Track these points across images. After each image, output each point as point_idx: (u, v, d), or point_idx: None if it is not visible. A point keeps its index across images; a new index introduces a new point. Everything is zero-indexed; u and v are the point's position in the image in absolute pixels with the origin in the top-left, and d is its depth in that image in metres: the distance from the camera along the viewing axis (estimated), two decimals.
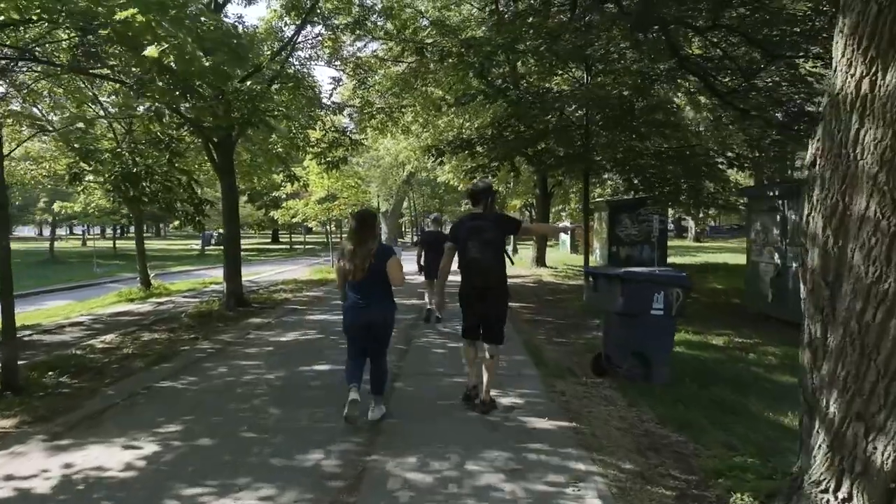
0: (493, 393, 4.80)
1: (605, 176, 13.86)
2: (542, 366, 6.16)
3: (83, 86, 10.55)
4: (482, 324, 4.64)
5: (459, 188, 30.16)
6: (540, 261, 19.45)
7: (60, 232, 55.24)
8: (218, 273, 22.40)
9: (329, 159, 14.63)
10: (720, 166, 9.83)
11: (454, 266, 4.74)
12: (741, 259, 25.11)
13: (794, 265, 9.29)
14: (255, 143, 13.82)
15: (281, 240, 53.87)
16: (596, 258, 23.77)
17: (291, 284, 15.56)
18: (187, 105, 8.95)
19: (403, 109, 15.82)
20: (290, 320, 9.47)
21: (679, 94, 11.81)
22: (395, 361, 6.15)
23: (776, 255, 9.91)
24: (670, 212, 18.37)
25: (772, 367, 6.45)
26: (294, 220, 20.54)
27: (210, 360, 6.67)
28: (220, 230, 41.13)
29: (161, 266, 25.98)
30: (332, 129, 14.47)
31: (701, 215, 18.80)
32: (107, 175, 7.83)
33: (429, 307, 9.02)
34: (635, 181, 10.03)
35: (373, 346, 4.51)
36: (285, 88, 11.67)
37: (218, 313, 10.06)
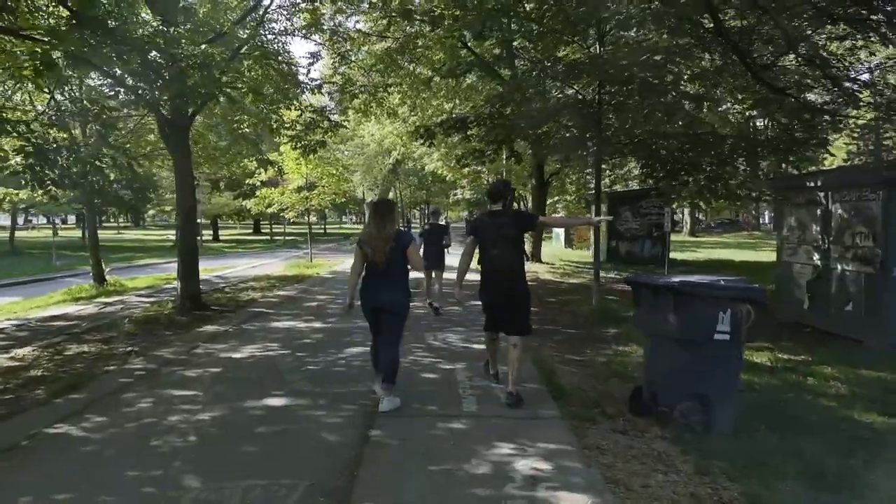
0: (509, 449, 3.60)
1: (612, 162, 12.40)
2: (562, 399, 4.78)
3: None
4: (508, 318, 4.79)
5: (448, 178, 28.78)
6: (535, 256, 18.10)
7: (39, 221, 52.94)
8: None
9: (305, 143, 13.15)
10: (757, 153, 8.43)
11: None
12: (745, 255, 24.04)
13: (839, 266, 8.04)
14: (222, 121, 12.28)
15: (263, 230, 52.05)
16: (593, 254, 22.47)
17: (263, 281, 14.05)
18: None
19: (389, 89, 14.29)
20: (250, 328, 8.00)
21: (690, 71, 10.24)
22: (372, 393, 4.75)
23: (816, 256, 8.62)
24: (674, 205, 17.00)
25: (845, 399, 5.13)
26: (269, 210, 18.96)
27: (135, 387, 5.20)
28: (200, 221, 39.54)
29: (129, 258, 24.32)
30: (310, 108, 12.92)
31: (709, 208, 17.39)
32: (13, 152, 6.28)
33: (429, 301, 9.14)
34: (656, 167, 8.64)
35: (386, 329, 4.59)
36: (252, 59, 10.12)
37: (168, 318, 8.57)
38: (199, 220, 36.77)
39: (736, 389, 4.21)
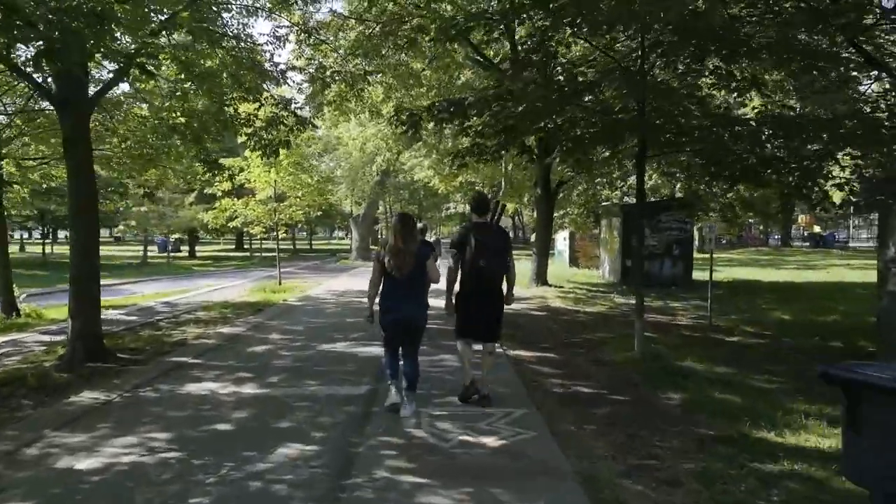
0: None
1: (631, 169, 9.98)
2: None
3: None
4: (485, 324, 4.96)
5: (440, 191, 26.39)
6: (541, 278, 15.62)
7: (16, 235, 49.85)
8: (143, 288, 18.04)
9: (266, 143, 10.69)
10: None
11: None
12: (771, 274, 21.28)
13: None
14: (156, 111, 9.83)
15: (246, 247, 49.25)
16: (604, 273, 20.02)
17: (215, 310, 11.47)
18: None
19: (369, 78, 11.89)
20: (149, 397, 5.42)
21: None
22: None
23: None
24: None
25: None
26: (232, 224, 16.41)
27: None
28: (177, 236, 36.72)
29: None
30: (269, 100, 10.47)
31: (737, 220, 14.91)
32: None
33: None
34: (727, 163, 6.24)
35: (407, 343, 4.77)
36: (183, 25, 7.68)
37: (39, 376, 6.00)
38: (172, 236, 34.01)
39: None
